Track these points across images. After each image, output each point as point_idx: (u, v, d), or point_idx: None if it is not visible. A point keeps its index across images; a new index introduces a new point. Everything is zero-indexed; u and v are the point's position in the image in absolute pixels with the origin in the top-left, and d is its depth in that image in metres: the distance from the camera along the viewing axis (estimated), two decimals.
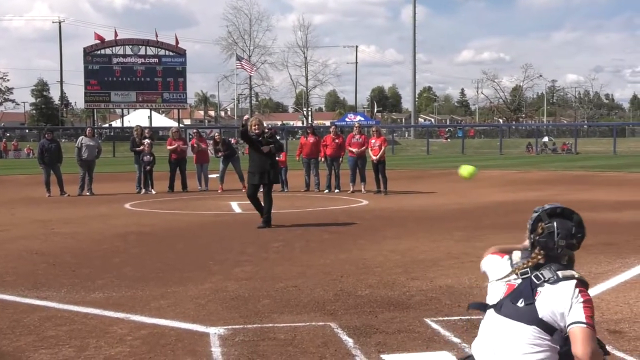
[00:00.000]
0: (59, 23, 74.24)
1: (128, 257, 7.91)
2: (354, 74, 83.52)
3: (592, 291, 5.79)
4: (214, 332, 4.78)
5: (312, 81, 78.48)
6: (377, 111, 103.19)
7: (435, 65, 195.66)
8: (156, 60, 56.58)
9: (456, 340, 4.54)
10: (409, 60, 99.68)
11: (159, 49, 57.02)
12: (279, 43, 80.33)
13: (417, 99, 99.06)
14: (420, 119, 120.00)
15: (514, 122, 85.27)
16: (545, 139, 53.88)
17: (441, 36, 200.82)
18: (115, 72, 55.72)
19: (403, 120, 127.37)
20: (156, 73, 56.42)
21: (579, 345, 2.44)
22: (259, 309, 5.41)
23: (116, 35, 56.94)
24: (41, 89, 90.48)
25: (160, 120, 72.11)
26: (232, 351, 4.36)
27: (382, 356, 4.26)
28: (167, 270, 7.07)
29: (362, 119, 64.73)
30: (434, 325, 4.88)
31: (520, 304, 2.62)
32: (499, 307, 2.68)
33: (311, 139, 17.22)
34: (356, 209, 13.10)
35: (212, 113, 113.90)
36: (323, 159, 16.93)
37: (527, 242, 2.93)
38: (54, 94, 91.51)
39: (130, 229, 10.38)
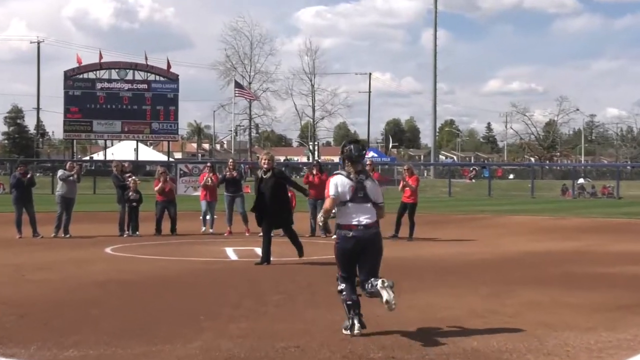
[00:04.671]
0: (38, 43, 75.83)
1: (108, 309, 7.87)
2: (367, 104, 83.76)
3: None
4: None
5: (320, 112, 79.18)
6: (393, 146, 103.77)
7: (459, 95, 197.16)
8: (145, 86, 57.19)
9: None
10: (428, 89, 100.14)
11: (149, 74, 57.68)
12: (283, 69, 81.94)
13: (437, 134, 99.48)
14: (441, 156, 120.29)
15: (547, 162, 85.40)
16: (583, 180, 53.84)
17: (465, 63, 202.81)
18: (98, 98, 56.28)
19: (422, 157, 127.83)
20: (145, 100, 56.95)
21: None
22: None
23: (101, 57, 57.68)
24: (15, 116, 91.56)
25: (148, 154, 72.65)
26: None
27: None
28: (151, 325, 7.03)
29: (376, 155, 65.05)
30: None
31: (360, 194, 6.75)
32: (353, 199, 6.75)
33: (317, 177, 17.24)
34: None
35: (206, 146, 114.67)
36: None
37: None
38: (30, 122, 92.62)
39: (111, 276, 10.36)
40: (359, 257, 6.76)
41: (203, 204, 17.91)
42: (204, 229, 17.60)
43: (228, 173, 17.43)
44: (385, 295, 6.47)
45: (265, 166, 11.61)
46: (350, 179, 6.77)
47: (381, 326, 7.02)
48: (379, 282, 6.55)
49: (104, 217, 21.86)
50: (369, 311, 7.72)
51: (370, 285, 6.64)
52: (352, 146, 6.91)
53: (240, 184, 17.89)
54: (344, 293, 6.82)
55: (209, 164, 18.87)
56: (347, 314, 6.80)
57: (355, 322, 6.68)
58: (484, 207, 31.93)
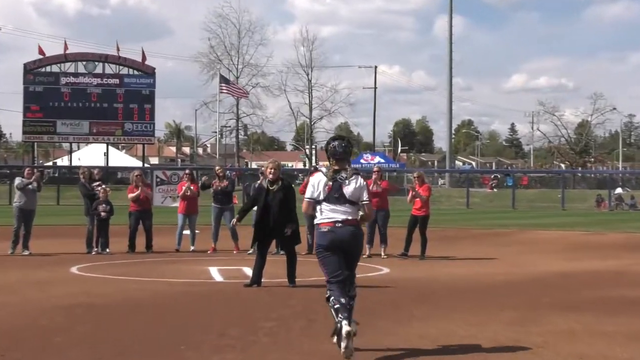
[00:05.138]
0: None
1: (74, 337, 7.86)
2: (372, 102, 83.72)
3: None
4: None
5: (318, 111, 79.08)
6: (402, 151, 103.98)
7: (478, 92, 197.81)
8: (116, 80, 57.34)
9: None
10: (443, 85, 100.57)
11: (121, 67, 57.83)
12: (275, 61, 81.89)
13: (453, 136, 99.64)
14: (457, 162, 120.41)
15: (579, 168, 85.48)
16: (620, 190, 53.83)
17: (485, 55, 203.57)
18: (63, 95, 56.37)
19: (435, 163, 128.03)
20: (116, 97, 57.09)
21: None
22: None
23: (66, 48, 57.78)
24: None
25: (120, 159, 72.78)
26: None
27: None
28: (124, 356, 7.01)
29: (383, 160, 64.97)
30: None
31: (336, 195, 7.29)
32: (327, 199, 7.31)
33: None
34: (374, 279, 13.05)
35: (187, 150, 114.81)
36: None
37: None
38: None
39: (78, 299, 10.34)
40: (339, 254, 7.31)
41: (180, 218, 17.87)
42: (178, 247, 17.57)
43: (216, 182, 17.41)
44: (346, 327, 6.83)
45: (271, 176, 11.66)
46: (329, 178, 7.38)
47: (389, 359, 7.00)
48: (345, 325, 6.86)
49: (69, 231, 21.84)
50: (376, 341, 7.72)
51: (336, 302, 7.13)
52: (336, 142, 7.49)
53: (230, 195, 17.89)
54: (332, 298, 7.18)
55: (187, 172, 18.79)
56: (334, 318, 7.08)
57: (344, 323, 6.89)
58: (507, 220, 31.93)
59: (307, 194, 7.48)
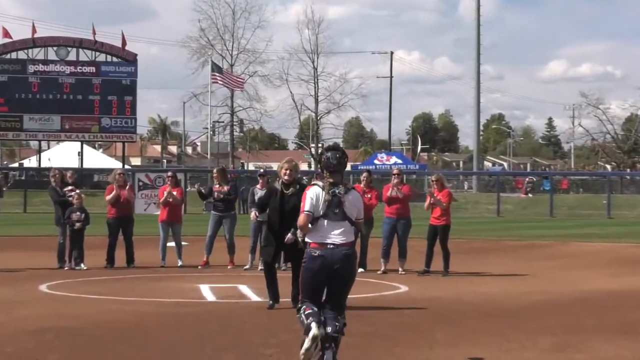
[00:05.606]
0: None
1: None
2: (387, 93, 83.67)
3: None
4: None
5: (325, 103, 79.22)
6: (422, 150, 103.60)
7: (510, 82, 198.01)
8: (92, 69, 57.43)
9: None
10: (469, 74, 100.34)
11: (97, 53, 57.93)
12: (276, 46, 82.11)
13: (482, 133, 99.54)
14: (486, 163, 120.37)
15: (628, 170, 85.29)
16: None
17: (518, 39, 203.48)
18: (31, 85, 56.52)
19: (461, 164, 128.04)
20: (92, 88, 57.18)
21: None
22: None
23: (34, 31, 57.90)
24: None
25: (97, 159, 72.74)
26: None
27: None
28: None
29: (400, 161, 64.87)
30: None
31: (335, 210, 7.73)
32: (326, 215, 7.71)
33: None
34: (391, 298, 13.04)
35: (173, 149, 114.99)
36: None
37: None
38: None
39: (49, 322, 10.33)
40: (328, 281, 7.69)
41: (162, 228, 17.80)
42: (163, 262, 17.54)
43: (216, 188, 17.33)
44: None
45: (287, 178, 11.40)
46: (327, 192, 7.76)
47: None
48: (314, 326, 7.31)
49: (38, 243, 21.80)
50: None
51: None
52: (330, 154, 7.92)
53: (232, 202, 17.80)
54: (303, 307, 7.60)
55: (170, 174, 18.70)
56: (302, 324, 7.48)
57: (313, 325, 7.32)
58: (544, 230, 31.84)
59: (307, 207, 7.78)
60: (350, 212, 7.80)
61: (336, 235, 7.70)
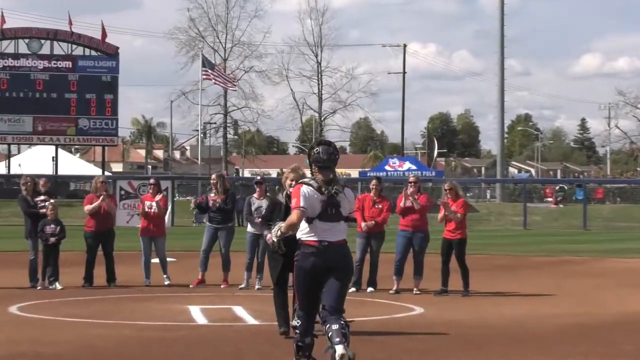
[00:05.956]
0: None
1: None
2: (400, 91, 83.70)
3: None
4: None
5: (330, 102, 79.58)
6: (439, 154, 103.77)
7: (537, 78, 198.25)
8: (69, 63, 57.56)
9: None
10: (492, 69, 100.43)
11: (74, 46, 58.06)
12: (274, 39, 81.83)
13: (506, 135, 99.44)
14: (511, 169, 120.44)
15: None
16: None
17: (547, 30, 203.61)
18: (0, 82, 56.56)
19: (483, 170, 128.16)
20: (68, 85, 57.29)
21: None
22: None
23: (3, 21, 58.07)
24: None
25: (73, 165, 72.92)
26: None
27: None
28: None
29: (414, 167, 65.02)
30: None
31: (332, 211, 8.18)
32: (321, 216, 8.12)
33: None
34: (404, 321, 13.02)
35: (159, 153, 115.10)
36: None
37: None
38: None
39: (21, 348, 10.31)
40: (322, 281, 8.11)
41: (143, 242, 17.69)
42: (148, 281, 17.47)
43: (212, 197, 17.17)
44: (340, 350, 7.68)
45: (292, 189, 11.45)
46: (321, 192, 8.19)
47: None
48: (340, 348, 7.72)
49: (8, 259, 21.87)
50: None
51: (329, 329, 7.93)
52: (320, 148, 8.30)
53: (229, 213, 17.75)
54: (298, 331, 8.16)
55: (152, 181, 18.61)
56: (295, 355, 7.97)
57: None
58: (577, 245, 31.81)
59: (302, 202, 8.12)
60: (345, 212, 8.23)
61: (330, 234, 8.10)
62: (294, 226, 8.14)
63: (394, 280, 16.46)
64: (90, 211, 17.27)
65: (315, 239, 8.13)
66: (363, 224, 16.29)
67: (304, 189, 8.21)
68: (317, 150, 8.29)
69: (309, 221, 8.13)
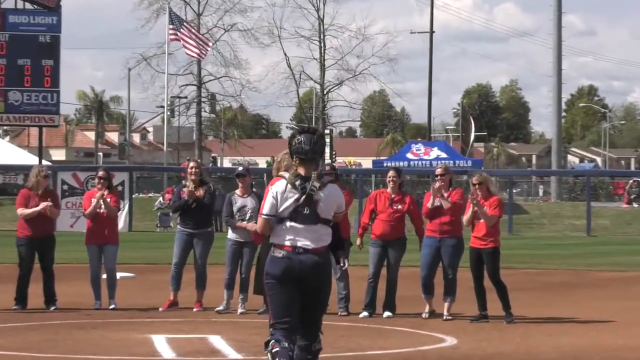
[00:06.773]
0: None
1: None
2: (427, 56, 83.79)
3: None
4: None
5: (335, 71, 79.40)
6: (477, 139, 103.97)
7: (605, 39, 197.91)
8: None
9: None
10: (546, 28, 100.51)
11: None
12: None
13: (564, 114, 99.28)
14: (571, 158, 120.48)
15: None
16: None
17: None
18: None
19: (534, 159, 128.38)
20: None
21: None
22: None
23: None
24: None
25: (2, 151, 72.93)
26: None
27: None
28: None
29: (444, 154, 65.02)
30: None
31: (306, 211, 8.61)
32: (293, 217, 8.57)
33: None
34: (433, 355, 13.12)
35: (113, 136, 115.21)
36: (360, 243, 16.99)
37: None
38: None
39: None
40: (296, 294, 8.49)
41: (89, 252, 17.76)
42: (98, 302, 17.46)
43: (188, 190, 17.17)
44: None
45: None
46: (295, 188, 8.59)
47: None
48: None
49: None
50: None
51: None
52: (302, 137, 8.62)
53: (208, 213, 17.76)
54: (272, 342, 8.37)
55: (101, 173, 18.49)
56: None
57: None
58: None
59: (266, 208, 8.61)
60: (325, 213, 8.53)
61: (306, 240, 8.46)
62: (261, 237, 8.72)
63: (424, 300, 16.45)
64: (26, 216, 17.26)
65: (288, 243, 8.54)
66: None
67: (275, 188, 8.64)
68: (298, 139, 8.63)
69: (280, 221, 8.57)
